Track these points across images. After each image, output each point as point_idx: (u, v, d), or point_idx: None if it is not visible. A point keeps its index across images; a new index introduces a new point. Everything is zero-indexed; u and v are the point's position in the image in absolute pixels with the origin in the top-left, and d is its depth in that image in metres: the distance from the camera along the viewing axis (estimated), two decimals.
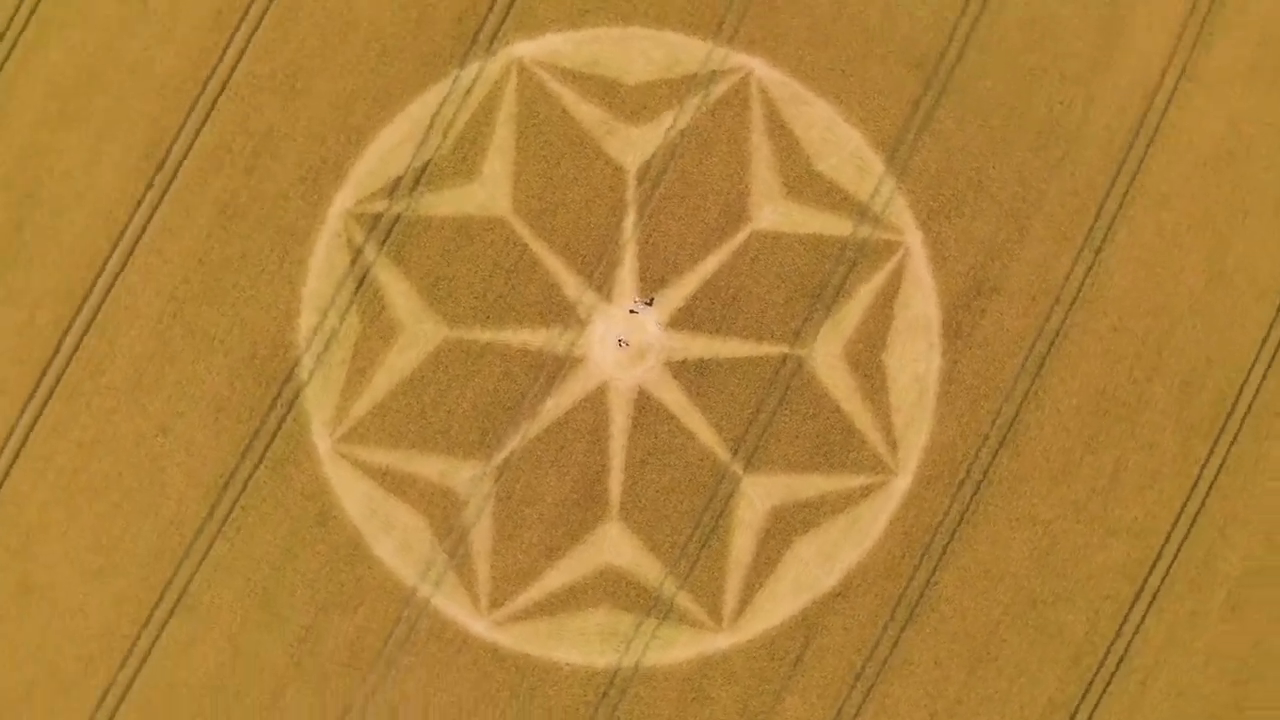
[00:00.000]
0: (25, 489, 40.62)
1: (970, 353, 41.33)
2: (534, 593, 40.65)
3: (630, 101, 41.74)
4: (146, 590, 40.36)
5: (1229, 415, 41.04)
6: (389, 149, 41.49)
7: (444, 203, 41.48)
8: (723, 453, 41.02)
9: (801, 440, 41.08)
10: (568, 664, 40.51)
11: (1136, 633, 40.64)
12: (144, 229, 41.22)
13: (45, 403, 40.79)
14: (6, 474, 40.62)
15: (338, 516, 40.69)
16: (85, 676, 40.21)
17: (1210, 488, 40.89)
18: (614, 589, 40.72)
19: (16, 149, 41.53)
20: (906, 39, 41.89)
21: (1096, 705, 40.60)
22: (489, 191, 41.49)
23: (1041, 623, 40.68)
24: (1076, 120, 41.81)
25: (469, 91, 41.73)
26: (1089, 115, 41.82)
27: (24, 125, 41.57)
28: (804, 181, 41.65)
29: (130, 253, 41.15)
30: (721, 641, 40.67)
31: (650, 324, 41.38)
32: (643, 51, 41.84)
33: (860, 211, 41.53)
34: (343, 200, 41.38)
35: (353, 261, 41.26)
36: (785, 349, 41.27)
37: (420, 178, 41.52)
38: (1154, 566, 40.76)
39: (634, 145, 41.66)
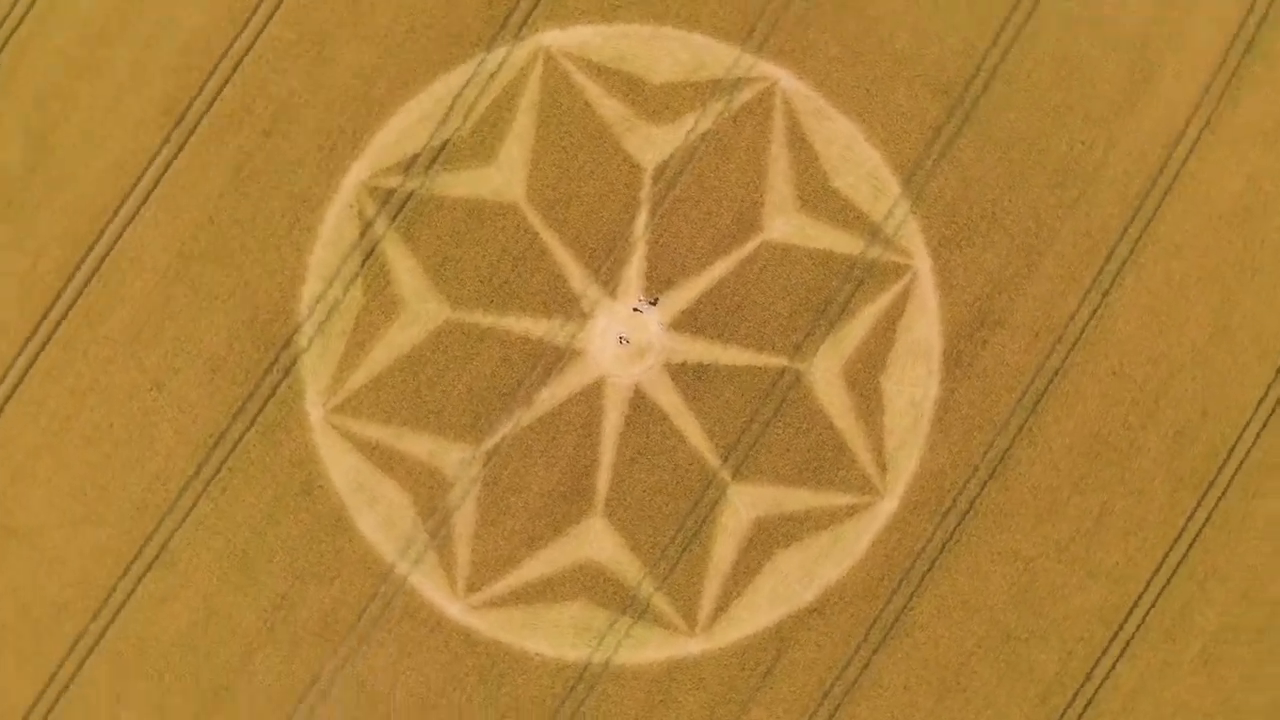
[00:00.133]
0: (15, 432, 40.65)
1: (968, 383, 41.33)
2: (512, 580, 40.70)
3: (653, 100, 41.68)
4: (127, 543, 40.41)
5: (1220, 469, 41.04)
6: (408, 125, 41.43)
7: (459, 184, 41.44)
8: (713, 458, 41.04)
9: (792, 454, 41.10)
10: (538, 654, 40.58)
11: (1107, 678, 40.69)
12: (156, 183, 41.19)
13: (43, 347, 40.79)
14: None
15: (323, 486, 40.72)
16: (58, 623, 40.29)
17: (1194, 540, 40.92)
18: (592, 584, 40.77)
19: (37, 93, 41.46)
20: (935, 64, 41.82)
21: None
22: (504, 177, 41.45)
23: (1013, 658, 40.75)
24: (1096, 162, 41.76)
25: (494, 75, 41.66)
26: (1109, 158, 41.76)
27: (47, 70, 41.50)
28: (819, 196, 41.61)
29: (141, 205, 41.11)
30: (693, 646, 40.74)
31: (653, 324, 41.37)
32: (670, 52, 41.77)
33: (872, 232, 41.50)
34: (358, 172, 41.34)
35: (362, 234, 41.23)
36: (785, 361, 41.28)
37: (437, 157, 41.47)
38: (1131, 613, 40.80)
39: (653, 144, 41.61)
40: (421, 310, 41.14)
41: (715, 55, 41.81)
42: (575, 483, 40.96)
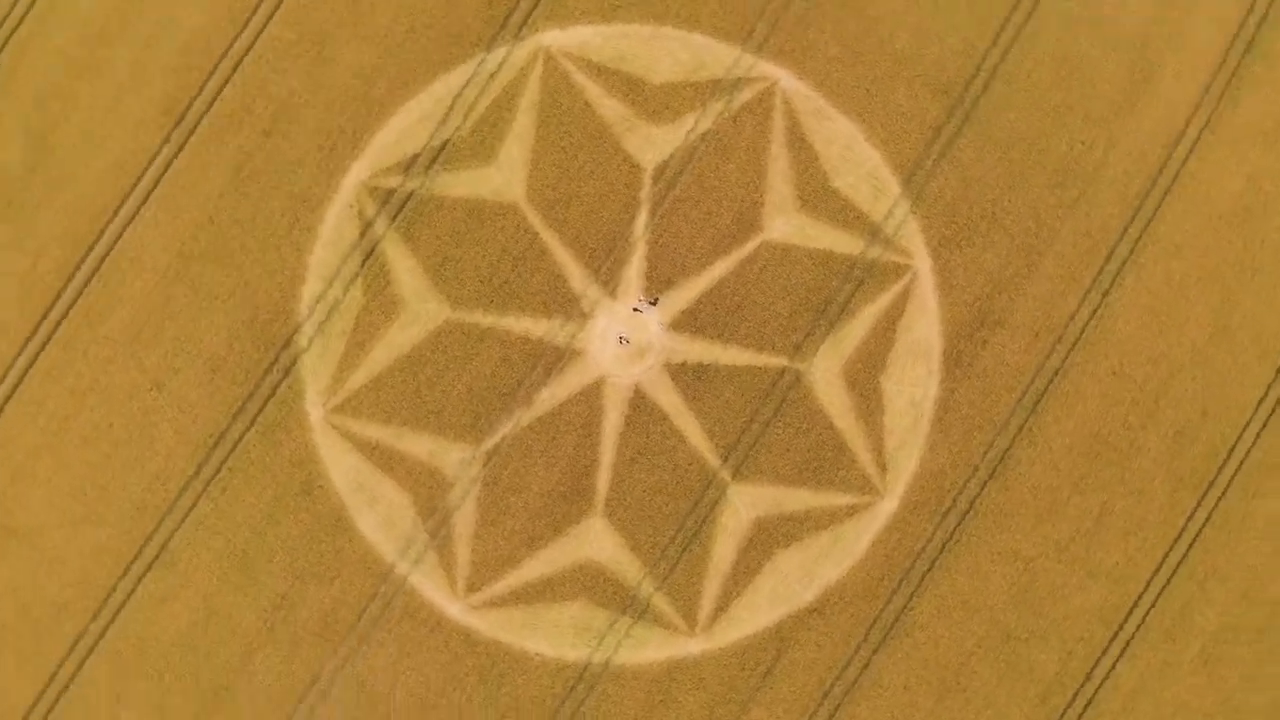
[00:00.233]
0: (15, 432, 40.65)
1: (968, 383, 41.33)
2: (512, 580, 40.71)
3: (653, 100, 41.69)
4: (127, 543, 40.42)
5: (1220, 469, 41.04)
6: (408, 125, 41.44)
7: (458, 184, 41.44)
8: (713, 458, 41.05)
9: (792, 454, 41.11)
10: (538, 654, 40.58)
11: (1107, 678, 40.69)
12: (156, 183, 41.19)
13: (43, 347, 40.79)
14: None
15: (323, 486, 40.72)
16: (57, 623, 40.29)
17: (1194, 540, 40.93)
18: (592, 584, 40.78)
19: (37, 93, 41.46)
20: (935, 64, 41.83)
21: None
22: (504, 177, 41.45)
23: (1013, 658, 40.75)
24: (1096, 162, 41.77)
25: (494, 75, 41.67)
26: (1109, 158, 41.77)
27: (47, 70, 41.50)
28: (819, 196, 41.61)
29: (141, 205, 41.12)
30: (693, 647, 40.74)
31: (653, 324, 41.38)
32: (670, 52, 41.77)
33: (872, 232, 41.51)
34: (358, 172, 41.35)
35: (362, 234, 41.23)
36: (785, 361, 41.28)
37: (437, 157, 41.48)
38: (1131, 613, 40.80)
39: (653, 144, 41.62)
40: (421, 310, 41.15)
41: (715, 55, 41.81)
42: (575, 483, 40.96)
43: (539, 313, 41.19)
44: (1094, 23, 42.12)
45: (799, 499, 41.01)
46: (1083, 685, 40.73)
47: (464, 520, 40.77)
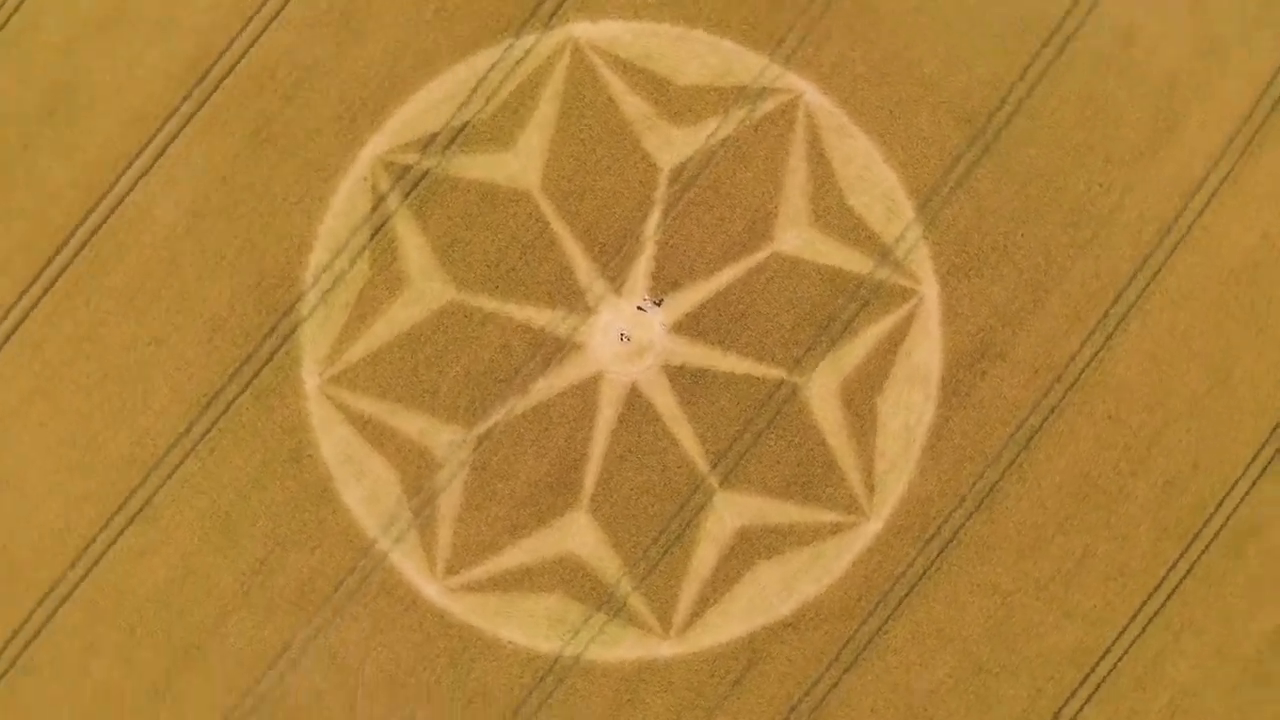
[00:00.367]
0: (10, 373, 40.64)
1: (964, 412, 41.31)
2: (491, 566, 40.73)
3: (677, 101, 41.62)
4: (111, 494, 40.43)
5: (1205, 523, 41.02)
6: (430, 104, 41.38)
7: (475, 166, 41.40)
8: (702, 464, 41.05)
9: (781, 466, 41.11)
10: (511, 642, 40.62)
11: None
12: (174, 138, 41.15)
13: (45, 291, 40.77)
14: None
15: (312, 456, 40.74)
16: (35, 568, 40.31)
17: (1174, 591, 40.91)
18: (570, 578, 40.80)
19: (63, 41, 41.39)
20: (960, 92, 41.74)
21: None
22: (521, 164, 41.40)
23: (983, 691, 40.78)
24: (1112, 205, 41.70)
25: (520, 62, 41.60)
26: (1125, 202, 41.70)
27: (75, 19, 41.43)
28: (833, 213, 41.56)
29: (156, 159, 41.08)
30: (665, 649, 40.78)
31: (655, 324, 41.36)
32: (699, 55, 41.69)
33: (882, 253, 41.46)
34: (375, 146, 41.30)
35: (373, 208, 41.20)
36: (783, 374, 41.26)
37: (456, 137, 41.43)
38: (1103, 657, 40.81)
39: (672, 145, 41.55)
40: (426, 289, 41.13)
41: (743, 62, 41.74)
42: (563, 475, 40.97)
43: (543, 302, 41.17)
44: (1124, 65, 42.02)
45: (784, 512, 41.02)
46: None
47: (449, 502, 40.79)
